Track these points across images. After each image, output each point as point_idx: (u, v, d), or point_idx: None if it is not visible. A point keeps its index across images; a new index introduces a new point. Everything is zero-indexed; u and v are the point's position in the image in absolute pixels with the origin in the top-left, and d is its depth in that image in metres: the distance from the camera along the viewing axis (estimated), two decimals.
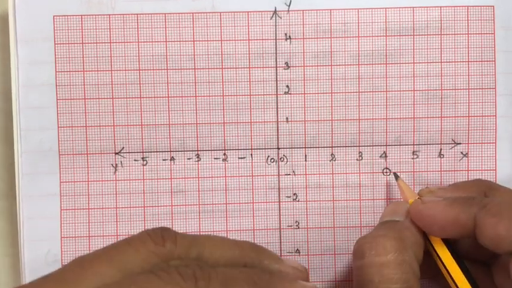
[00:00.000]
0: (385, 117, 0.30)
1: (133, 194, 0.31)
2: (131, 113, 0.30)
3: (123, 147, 0.31)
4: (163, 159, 0.31)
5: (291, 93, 0.31)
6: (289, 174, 0.31)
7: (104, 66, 0.30)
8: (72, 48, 0.30)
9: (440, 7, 0.30)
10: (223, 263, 0.21)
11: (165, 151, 0.31)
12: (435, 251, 0.26)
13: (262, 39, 0.30)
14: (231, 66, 0.30)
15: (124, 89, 0.30)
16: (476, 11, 0.30)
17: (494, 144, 0.31)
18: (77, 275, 0.19)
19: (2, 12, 0.31)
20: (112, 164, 0.31)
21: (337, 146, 0.31)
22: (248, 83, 0.30)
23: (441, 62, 0.30)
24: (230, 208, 0.31)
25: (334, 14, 0.30)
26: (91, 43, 0.30)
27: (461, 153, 0.31)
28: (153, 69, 0.30)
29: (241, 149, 0.31)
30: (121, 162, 0.31)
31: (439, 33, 0.30)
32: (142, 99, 0.30)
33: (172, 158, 0.31)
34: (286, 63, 0.30)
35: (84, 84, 0.30)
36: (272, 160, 0.31)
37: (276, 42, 0.30)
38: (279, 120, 0.31)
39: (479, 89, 0.30)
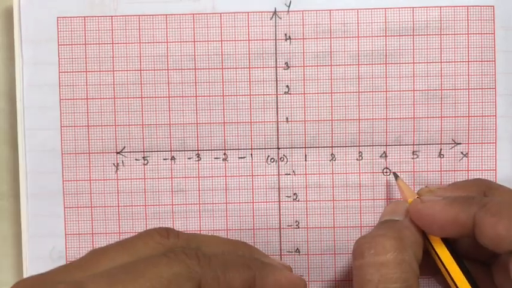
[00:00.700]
0: (385, 117, 0.31)
1: (134, 193, 0.31)
2: (132, 112, 0.31)
3: (125, 147, 0.31)
4: (164, 159, 0.31)
5: (291, 93, 0.31)
6: (289, 174, 0.31)
7: (106, 66, 0.31)
8: (75, 49, 0.31)
9: (440, 7, 0.30)
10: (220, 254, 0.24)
11: (165, 151, 0.31)
12: (434, 250, 0.26)
13: (262, 40, 0.31)
14: (231, 66, 0.31)
15: (125, 89, 0.31)
16: (476, 11, 0.30)
17: (494, 144, 0.30)
18: (93, 261, 0.22)
19: (7, 14, 0.32)
20: (113, 163, 0.31)
21: (337, 146, 0.31)
22: (248, 83, 0.31)
23: (441, 62, 0.30)
24: (230, 207, 0.31)
25: (333, 15, 0.30)
26: (94, 44, 0.31)
27: (461, 153, 0.31)
28: (154, 70, 0.31)
29: (241, 149, 0.31)
30: (122, 161, 0.31)
31: (439, 33, 0.30)
32: (143, 99, 0.31)
33: (172, 158, 0.31)
34: (286, 63, 0.31)
35: (86, 85, 0.31)
36: (272, 160, 0.31)
37: (276, 42, 0.31)
38: (279, 120, 0.31)
39: (479, 89, 0.30)
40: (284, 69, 0.31)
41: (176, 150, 0.31)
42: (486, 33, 0.30)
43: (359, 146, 0.31)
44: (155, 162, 0.31)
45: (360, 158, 0.31)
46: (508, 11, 0.30)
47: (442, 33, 0.30)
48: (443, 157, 0.31)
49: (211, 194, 0.31)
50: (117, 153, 0.31)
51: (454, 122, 0.30)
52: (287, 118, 0.31)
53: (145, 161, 0.31)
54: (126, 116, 0.31)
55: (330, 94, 0.31)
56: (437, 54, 0.30)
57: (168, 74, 0.31)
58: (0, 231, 0.32)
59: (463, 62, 0.30)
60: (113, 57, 0.31)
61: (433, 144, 0.31)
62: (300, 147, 0.31)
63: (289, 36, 0.31)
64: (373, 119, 0.31)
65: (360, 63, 0.30)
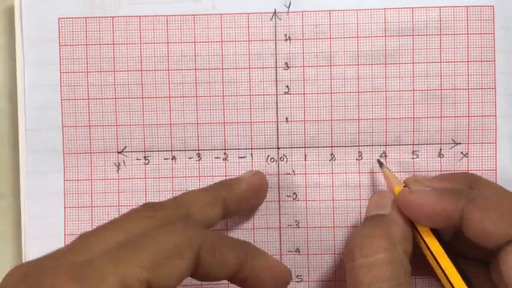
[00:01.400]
0: (384, 117, 0.31)
1: (135, 193, 0.31)
2: (133, 112, 0.31)
3: (126, 147, 0.31)
4: (164, 159, 0.31)
5: (290, 94, 0.31)
6: (289, 174, 0.31)
7: (107, 67, 0.31)
8: (76, 49, 0.31)
9: (440, 7, 0.30)
10: (209, 221, 0.26)
11: (166, 150, 0.31)
12: (423, 241, 0.25)
13: (262, 40, 0.31)
14: (231, 66, 0.31)
15: (126, 89, 0.31)
16: (476, 11, 0.30)
17: (494, 144, 0.30)
18: (87, 244, 0.22)
19: (8, 15, 0.32)
20: (115, 163, 0.31)
21: (337, 146, 0.31)
22: (248, 83, 0.31)
23: (440, 62, 0.30)
24: None
25: (333, 15, 0.30)
26: (95, 44, 0.31)
27: (461, 153, 0.31)
28: (155, 70, 0.31)
29: (241, 149, 0.31)
30: (123, 161, 0.31)
31: (439, 33, 0.30)
32: (144, 99, 0.31)
33: (173, 157, 0.31)
34: (286, 63, 0.31)
35: (87, 85, 0.31)
36: (272, 160, 0.31)
37: (275, 43, 0.31)
38: (279, 120, 0.31)
39: (479, 89, 0.30)
40: (284, 69, 0.31)
41: (177, 150, 0.31)
42: (486, 33, 0.30)
43: (359, 146, 0.31)
44: (156, 162, 0.31)
45: (360, 158, 0.31)
46: (508, 11, 0.30)
47: (441, 33, 0.30)
48: (443, 157, 0.31)
49: None
50: (118, 153, 0.31)
51: (454, 122, 0.31)
52: (287, 118, 0.31)
53: (147, 161, 0.31)
54: (127, 116, 0.31)
55: (329, 94, 0.31)
56: (436, 54, 0.30)
57: (168, 75, 0.31)
58: (0, 231, 0.32)
59: (462, 62, 0.30)
60: (113, 57, 0.31)
61: (432, 144, 0.31)
62: (299, 147, 0.31)
63: (289, 37, 0.31)
64: (372, 119, 0.31)
65: (359, 63, 0.31)
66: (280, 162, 0.31)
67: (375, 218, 0.25)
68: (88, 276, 0.19)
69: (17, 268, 0.21)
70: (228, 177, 0.31)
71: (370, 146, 0.31)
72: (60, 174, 0.31)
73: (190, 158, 0.31)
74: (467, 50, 0.30)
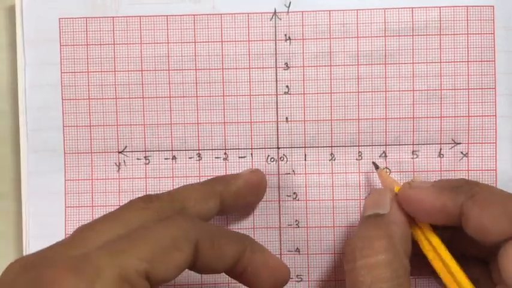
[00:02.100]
0: (384, 117, 0.31)
1: (135, 192, 0.31)
2: (134, 112, 0.31)
3: (126, 146, 0.31)
4: (165, 158, 0.31)
5: (290, 94, 0.31)
6: (289, 174, 0.31)
7: (107, 67, 0.31)
8: (77, 49, 0.31)
9: (440, 7, 0.30)
10: (204, 215, 0.26)
11: (167, 150, 0.31)
12: (426, 237, 0.26)
13: (262, 40, 0.31)
14: (231, 66, 0.31)
15: (127, 89, 0.31)
16: (476, 11, 0.30)
17: (494, 144, 0.30)
18: (85, 237, 0.22)
19: (9, 15, 0.32)
20: (115, 163, 0.31)
21: (337, 146, 0.31)
22: (248, 83, 0.31)
23: (440, 62, 0.30)
24: None
25: (333, 15, 0.31)
26: (95, 45, 0.31)
27: (461, 153, 0.31)
28: (155, 70, 0.31)
29: (241, 149, 0.31)
30: (124, 161, 0.31)
31: (439, 33, 0.30)
32: (144, 99, 0.31)
33: (174, 157, 0.31)
34: (286, 63, 0.31)
35: (88, 85, 0.31)
36: (272, 159, 0.31)
37: (275, 43, 0.31)
38: (279, 120, 0.31)
39: (479, 89, 0.30)
40: (284, 69, 0.31)
41: (177, 150, 0.31)
42: (486, 33, 0.30)
43: (358, 145, 0.31)
44: (157, 161, 0.31)
45: (360, 157, 0.31)
46: (508, 11, 0.30)
47: (441, 33, 0.30)
48: (443, 157, 0.31)
49: None
50: (119, 152, 0.31)
51: (454, 122, 0.31)
52: (287, 118, 0.31)
53: (147, 161, 0.31)
54: (127, 116, 0.31)
55: (329, 94, 0.31)
56: (436, 54, 0.30)
57: (169, 75, 0.31)
58: (0, 231, 0.33)
59: (462, 62, 0.30)
60: (114, 57, 0.31)
61: (432, 144, 0.31)
62: (299, 147, 0.31)
63: (289, 37, 0.31)
64: (372, 118, 0.31)
65: (359, 63, 0.31)
66: (280, 162, 0.31)
67: (374, 217, 0.25)
68: (85, 269, 0.20)
69: (16, 261, 0.21)
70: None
71: (370, 146, 0.31)
72: (61, 174, 0.31)
73: (191, 157, 0.31)
74: (467, 50, 0.30)
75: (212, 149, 0.31)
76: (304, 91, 0.31)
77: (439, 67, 0.30)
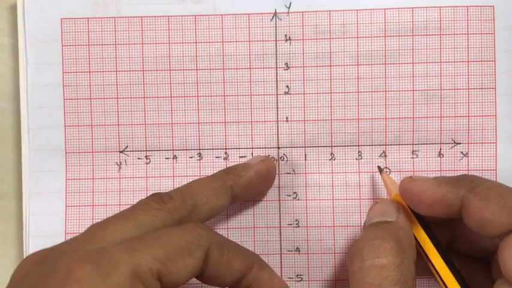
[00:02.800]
0: (384, 117, 0.31)
1: (136, 192, 0.31)
2: (135, 112, 0.31)
3: (127, 146, 0.31)
4: (166, 158, 0.31)
5: (290, 93, 0.31)
6: (289, 173, 0.31)
7: (109, 67, 0.31)
8: (78, 49, 0.31)
9: (440, 7, 0.30)
10: (217, 210, 0.27)
11: (167, 150, 0.31)
12: (416, 240, 0.26)
13: (263, 41, 0.31)
14: (232, 67, 0.31)
15: (128, 89, 0.31)
16: (476, 11, 0.30)
17: (494, 144, 0.30)
18: (97, 234, 0.22)
19: (12, 15, 0.32)
20: (116, 162, 0.31)
21: (337, 146, 0.31)
22: (249, 83, 0.31)
23: (440, 62, 0.30)
24: (231, 206, 0.31)
25: (333, 15, 0.31)
26: (97, 45, 0.31)
27: (461, 153, 0.31)
28: (156, 70, 0.31)
29: (242, 148, 0.31)
30: (125, 160, 0.31)
31: (439, 33, 0.30)
32: (146, 99, 0.31)
33: (174, 157, 0.31)
34: (286, 63, 0.31)
35: (90, 85, 0.31)
36: (272, 159, 0.31)
37: (276, 43, 0.31)
38: (279, 119, 0.31)
39: (479, 89, 0.30)
40: (284, 69, 0.31)
41: (178, 150, 0.31)
42: (486, 33, 0.30)
43: (358, 145, 0.31)
44: (157, 161, 0.31)
45: (360, 157, 0.31)
46: (508, 11, 0.30)
47: (441, 33, 0.30)
48: (443, 157, 0.31)
49: None
50: (120, 152, 0.31)
51: (454, 121, 0.31)
52: (287, 118, 0.31)
53: (148, 160, 0.31)
54: (128, 115, 0.31)
55: (329, 94, 0.31)
56: (436, 54, 0.30)
57: (170, 75, 0.31)
58: (1, 231, 0.33)
59: (463, 62, 0.30)
60: (115, 57, 0.31)
61: (432, 144, 0.31)
62: (299, 147, 0.31)
63: (289, 37, 0.31)
64: (372, 118, 0.31)
65: (359, 63, 0.31)
66: (280, 161, 0.31)
67: (382, 224, 0.25)
68: (102, 261, 0.20)
69: (32, 254, 0.22)
70: None
71: (370, 145, 0.31)
72: (62, 173, 0.31)
73: (192, 157, 0.31)
74: (468, 50, 0.30)
75: (213, 149, 0.31)
76: (304, 91, 0.31)
77: (439, 67, 0.30)
